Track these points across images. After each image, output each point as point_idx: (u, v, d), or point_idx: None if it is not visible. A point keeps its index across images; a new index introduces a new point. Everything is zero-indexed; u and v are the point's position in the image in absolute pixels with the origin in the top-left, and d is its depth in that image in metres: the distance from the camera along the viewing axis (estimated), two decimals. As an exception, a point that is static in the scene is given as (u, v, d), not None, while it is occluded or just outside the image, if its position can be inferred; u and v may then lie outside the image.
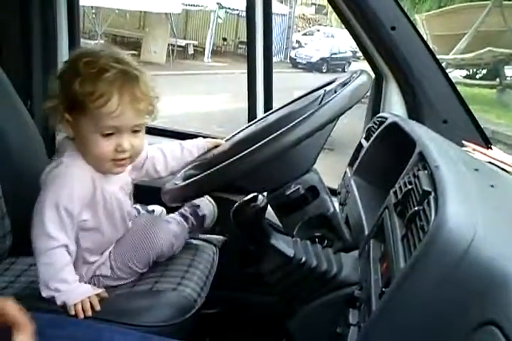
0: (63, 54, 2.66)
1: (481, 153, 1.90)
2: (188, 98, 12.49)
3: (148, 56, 18.72)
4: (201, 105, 11.94)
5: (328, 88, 1.75)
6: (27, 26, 2.56)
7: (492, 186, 1.20)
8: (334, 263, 1.45)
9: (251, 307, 1.96)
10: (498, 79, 13.25)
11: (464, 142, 1.98)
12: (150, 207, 2.13)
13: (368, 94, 2.37)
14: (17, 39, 2.56)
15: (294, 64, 20.63)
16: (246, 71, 2.58)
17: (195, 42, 20.61)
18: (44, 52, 2.61)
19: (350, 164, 2.00)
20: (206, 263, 1.91)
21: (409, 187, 1.24)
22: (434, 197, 1.07)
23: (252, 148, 1.48)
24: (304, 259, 1.43)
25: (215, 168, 1.53)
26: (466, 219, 0.97)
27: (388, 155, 1.75)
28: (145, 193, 1.91)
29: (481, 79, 14.17)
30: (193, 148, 1.93)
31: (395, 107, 2.22)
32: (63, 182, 1.60)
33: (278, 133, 1.47)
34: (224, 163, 1.51)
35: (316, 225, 1.63)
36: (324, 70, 18.04)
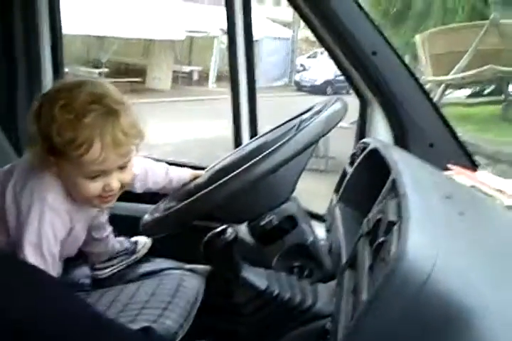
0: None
1: (466, 175, 1.88)
2: (193, 124, 12.53)
3: (153, 83, 18.88)
4: (206, 131, 11.97)
5: (304, 116, 1.74)
6: (11, 58, 2.57)
7: (461, 214, 1.17)
8: (309, 294, 1.43)
9: (236, 338, 1.93)
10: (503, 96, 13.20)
11: (448, 165, 1.97)
12: (133, 239, 2.12)
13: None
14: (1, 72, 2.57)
15: (299, 87, 20.70)
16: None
17: (200, 69, 20.73)
18: (28, 85, 2.61)
19: (336, 190, 1.99)
20: (191, 293, 1.89)
21: (379, 216, 1.22)
22: (398, 227, 1.05)
23: (225, 179, 1.47)
24: (276, 292, 1.42)
25: (190, 199, 1.52)
26: (426, 250, 0.95)
27: (370, 182, 1.72)
28: (128, 224, 1.89)
29: (489, 94, 14.12)
30: (175, 179, 1.93)
31: (380, 132, 2.21)
32: (48, 228, 1.55)
33: (251, 162, 1.47)
34: (198, 194, 1.50)
35: (295, 255, 1.62)
36: (329, 93, 18.00)
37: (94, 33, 17.13)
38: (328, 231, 1.87)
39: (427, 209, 1.12)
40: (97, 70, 17.39)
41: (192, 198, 1.52)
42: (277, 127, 1.89)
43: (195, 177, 1.94)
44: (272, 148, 1.48)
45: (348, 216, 1.78)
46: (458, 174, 1.90)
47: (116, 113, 1.52)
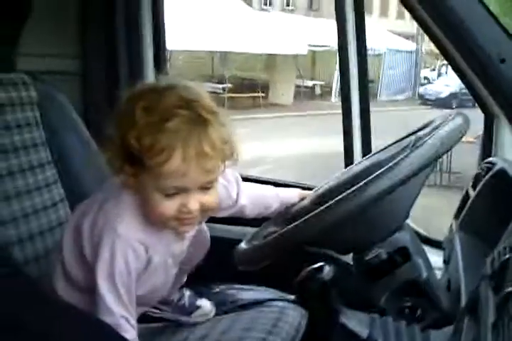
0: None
1: None
2: (314, 139, 12.45)
3: (275, 98, 19.01)
4: (327, 146, 11.86)
5: (421, 133, 1.53)
6: (114, 71, 2.51)
7: None
8: (419, 345, 1.22)
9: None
10: None
11: None
12: (198, 302, 1.84)
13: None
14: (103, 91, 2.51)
15: (423, 100, 20.28)
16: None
17: (322, 83, 20.68)
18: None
19: (456, 216, 1.76)
20: (290, 329, 1.68)
21: (508, 256, 1.00)
22: (533, 276, 0.83)
23: (331, 202, 1.30)
24: (380, 341, 1.21)
25: (293, 225, 1.35)
26: None
27: (496, 209, 1.50)
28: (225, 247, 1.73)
29: None
30: (285, 200, 1.72)
31: (508, 150, 1.96)
32: (120, 259, 1.40)
33: (361, 184, 1.28)
34: (302, 219, 1.33)
35: (406, 293, 1.40)
36: (454, 106, 17.35)
37: (218, 48, 17.39)
38: (446, 262, 1.64)
39: None
40: (220, 85, 17.61)
41: (295, 223, 1.35)
42: (391, 144, 1.68)
43: (302, 199, 1.75)
44: (384, 168, 1.29)
45: (470, 247, 1.56)
46: None
47: (206, 122, 1.32)
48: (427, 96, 20.26)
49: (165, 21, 2.57)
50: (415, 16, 2.00)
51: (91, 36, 2.48)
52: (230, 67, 18.39)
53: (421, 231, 2.24)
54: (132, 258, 1.41)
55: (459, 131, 1.37)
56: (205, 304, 1.82)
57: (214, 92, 16.73)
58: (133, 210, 1.43)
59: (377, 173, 1.30)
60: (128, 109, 1.33)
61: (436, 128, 1.39)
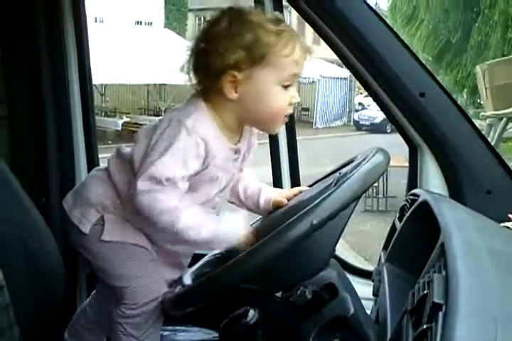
0: (80, 153, 2.59)
1: (530, 228, 1.66)
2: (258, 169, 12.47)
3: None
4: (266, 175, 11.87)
5: (343, 170, 1.56)
6: (41, 127, 2.49)
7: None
8: (347, 381, 1.22)
9: None
10: None
11: (510, 215, 1.76)
12: None
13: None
14: (31, 135, 2.48)
15: (358, 126, 20.55)
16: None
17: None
18: (60, 152, 2.54)
19: (385, 247, 1.79)
20: None
21: (425, 292, 1.02)
22: (444, 314, 0.85)
23: (253, 246, 1.30)
24: (308, 382, 1.21)
25: (212, 273, 1.36)
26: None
27: (420, 240, 1.52)
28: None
29: None
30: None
31: (432, 180, 2.02)
32: (178, 147, 1.49)
33: (281, 227, 1.29)
34: (223, 266, 1.33)
35: (335, 329, 1.41)
36: (389, 131, 17.64)
37: (154, 81, 17.37)
38: (375, 295, 1.66)
39: (481, 289, 0.92)
40: (157, 118, 17.54)
41: (219, 269, 1.35)
42: (315, 182, 1.71)
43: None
44: (306, 209, 1.30)
45: (397, 279, 1.57)
46: (520, 225, 1.68)
47: None
48: (362, 122, 20.56)
49: (90, 57, 2.58)
50: (332, 47, 2.05)
51: (15, 78, 2.45)
52: (166, 99, 18.38)
53: (351, 262, 2.27)
54: (192, 151, 1.50)
55: (380, 167, 1.40)
56: None
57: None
58: (206, 111, 1.57)
59: (301, 213, 1.31)
60: (235, 21, 1.54)
61: (359, 165, 1.42)
